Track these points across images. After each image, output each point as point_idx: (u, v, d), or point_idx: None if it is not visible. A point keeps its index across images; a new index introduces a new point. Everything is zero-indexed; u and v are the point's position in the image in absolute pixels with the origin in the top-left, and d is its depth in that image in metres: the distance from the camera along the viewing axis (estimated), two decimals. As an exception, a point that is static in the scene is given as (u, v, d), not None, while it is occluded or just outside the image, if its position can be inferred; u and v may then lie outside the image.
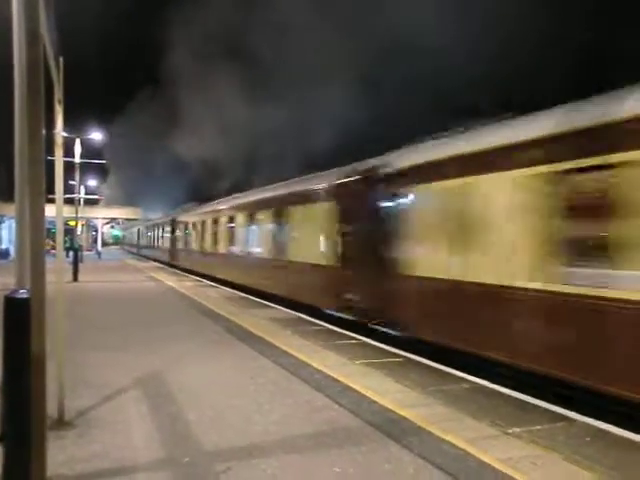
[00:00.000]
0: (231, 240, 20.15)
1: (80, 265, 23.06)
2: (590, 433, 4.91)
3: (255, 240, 17.26)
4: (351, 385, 6.36)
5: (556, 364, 6.19)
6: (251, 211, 17.73)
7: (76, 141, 26.73)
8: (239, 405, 5.63)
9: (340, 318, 11.04)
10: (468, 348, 7.47)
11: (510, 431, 4.92)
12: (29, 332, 2.87)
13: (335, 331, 10.31)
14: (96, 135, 32.53)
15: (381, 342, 9.09)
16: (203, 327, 10.64)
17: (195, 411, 5.41)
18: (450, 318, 7.88)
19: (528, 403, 5.82)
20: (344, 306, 10.82)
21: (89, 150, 35.58)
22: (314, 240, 12.31)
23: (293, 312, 12.84)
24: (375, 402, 5.74)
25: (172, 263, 32.54)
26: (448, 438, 4.71)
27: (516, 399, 5.96)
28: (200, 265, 25.04)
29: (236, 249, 19.46)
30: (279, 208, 14.78)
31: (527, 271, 6.61)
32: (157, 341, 9.06)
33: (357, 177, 10.77)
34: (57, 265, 5.23)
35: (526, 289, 6.58)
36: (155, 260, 39.66)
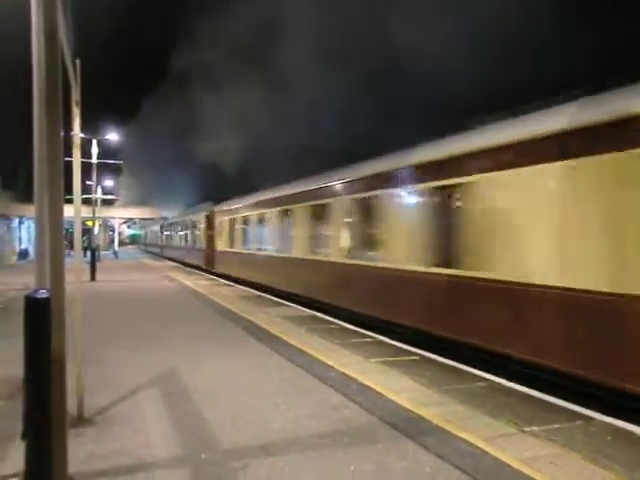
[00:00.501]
0: (172, 239, 42.05)
1: (97, 265, 23.34)
2: (611, 432, 4.85)
3: (181, 239, 37.04)
4: (367, 383, 6.36)
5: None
6: (174, 225, 40.89)
7: (93, 142, 27.03)
8: (255, 403, 5.66)
9: (355, 317, 11.18)
10: (233, 274, 22.21)
11: (527, 430, 4.88)
12: (49, 331, 2.92)
13: (350, 329, 10.31)
14: (112, 136, 32.85)
15: (397, 340, 9.09)
16: (218, 325, 10.71)
17: (211, 409, 5.46)
18: (230, 264, 23.01)
19: (545, 401, 5.77)
20: (209, 265, 26.51)
21: (106, 150, 35.98)
22: (199, 238, 29.49)
23: (307, 310, 12.87)
24: (391, 400, 5.73)
25: (158, 253, 50.34)
26: (465, 436, 4.69)
27: (533, 397, 5.91)
28: (167, 253, 44.46)
29: (173, 243, 41.37)
30: (190, 224, 32.76)
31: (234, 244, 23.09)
32: (173, 339, 9.14)
33: (210, 212, 26.59)
34: (75, 265, 5.30)
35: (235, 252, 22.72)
36: (155, 254, 52.88)
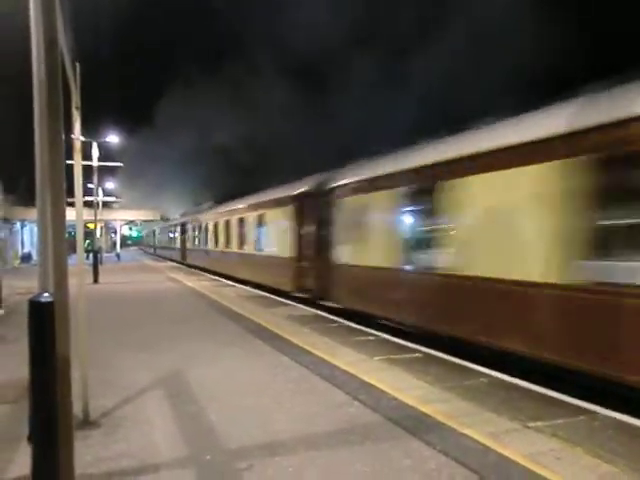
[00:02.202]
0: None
1: (100, 267, 23.38)
2: (614, 426, 4.86)
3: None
4: (371, 381, 6.38)
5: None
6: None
7: (93, 145, 27.07)
8: (260, 403, 5.68)
9: (355, 315, 11.16)
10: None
11: (531, 425, 4.89)
12: (54, 334, 2.93)
13: (353, 328, 10.33)
14: (112, 138, 32.85)
15: (400, 338, 9.10)
16: (222, 326, 10.73)
17: (216, 409, 5.48)
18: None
19: (549, 397, 5.78)
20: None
21: (108, 152, 36.02)
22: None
23: (310, 309, 12.89)
24: (395, 398, 5.75)
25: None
26: (469, 433, 4.71)
27: (536, 393, 5.93)
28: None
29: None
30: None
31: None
32: (177, 340, 9.16)
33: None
34: (78, 268, 5.32)
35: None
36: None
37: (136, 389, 6.22)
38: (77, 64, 4.88)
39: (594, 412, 5.25)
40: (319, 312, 12.38)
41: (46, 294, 3.01)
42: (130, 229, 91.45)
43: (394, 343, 8.80)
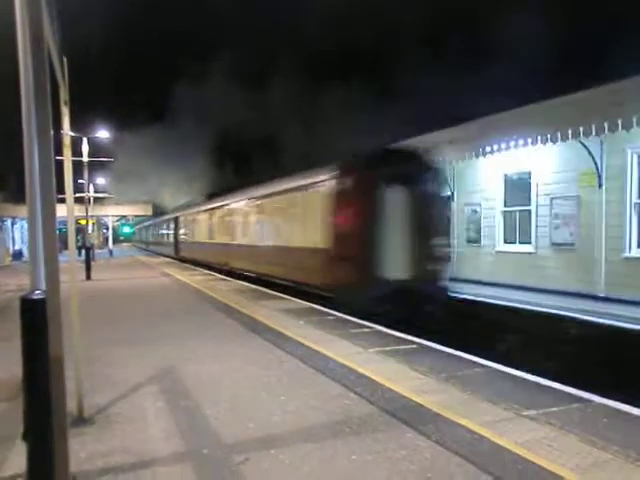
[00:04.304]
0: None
1: (92, 263, 23.27)
2: (608, 414, 4.91)
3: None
4: (366, 373, 6.40)
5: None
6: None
7: (83, 140, 26.89)
8: (255, 397, 5.69)
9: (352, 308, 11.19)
10: None
11: (525, 413, 4.93)
12: (46, 332, 2.91)
13: (348, 320, 10.35)
14: (102, 133, 32.61)
15: (395, 329, 9.13)
16: (216, 320, 10.72)
17: (211, 404, 5.48)
18: None
19: (543, 385, 5.82)
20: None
21: (99, 148, 35.80)
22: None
23: (305, 302, 12.90)
24: (390, 389, 5.77)
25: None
26: (463, 423, 4.73)
27: (531, 382, 5.97)
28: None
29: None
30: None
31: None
32: (171, 336, 9.15)
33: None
34: (70, 264, 5.29)
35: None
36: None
37: (130, 385, 6.21)
38: (64, 59, 4.83)
39: (588, 400, 5.30)
40: (314, 305, 12.39)
41: (38, 291, 2.98)
42: (122, 225, 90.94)
43: (389, 335, 8.83)
